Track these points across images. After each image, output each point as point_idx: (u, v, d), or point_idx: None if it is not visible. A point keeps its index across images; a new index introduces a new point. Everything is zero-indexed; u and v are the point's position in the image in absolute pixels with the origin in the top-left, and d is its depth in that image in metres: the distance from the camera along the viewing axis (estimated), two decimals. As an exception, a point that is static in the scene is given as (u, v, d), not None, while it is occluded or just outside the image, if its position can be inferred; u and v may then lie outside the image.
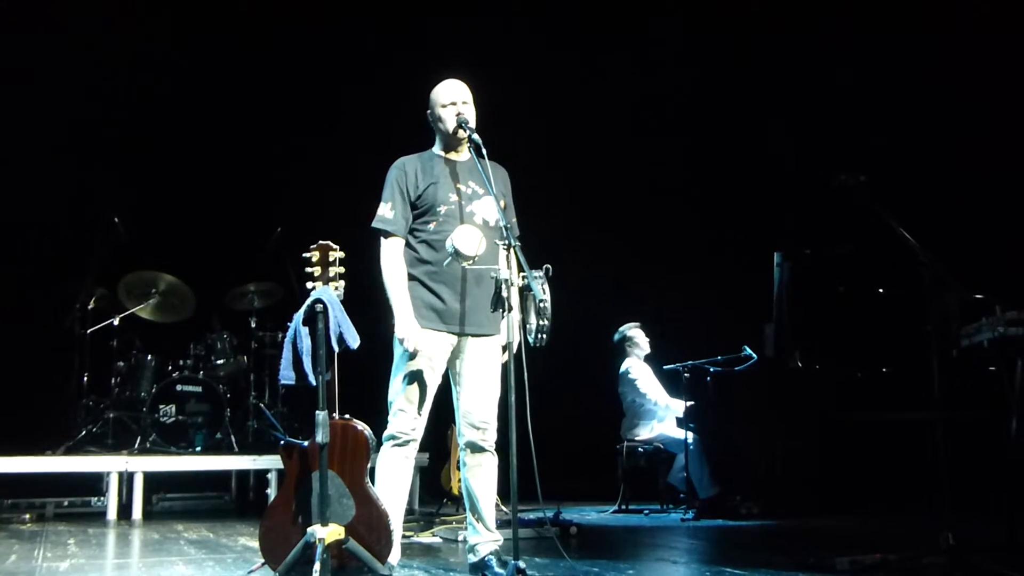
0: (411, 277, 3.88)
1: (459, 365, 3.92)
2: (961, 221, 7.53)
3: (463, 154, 3.99)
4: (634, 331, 7.44)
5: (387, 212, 3.89)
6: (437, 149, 4.03)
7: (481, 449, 3.90)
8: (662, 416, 7.18)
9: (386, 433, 3.80)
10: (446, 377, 3.95)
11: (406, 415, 3.79)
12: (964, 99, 7.84)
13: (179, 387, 7.22)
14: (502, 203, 3.84)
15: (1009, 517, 4.57)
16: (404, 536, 5.12)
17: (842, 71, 8.32)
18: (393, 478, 3.78)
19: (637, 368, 7.26)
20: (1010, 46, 7.52)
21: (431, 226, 3.86)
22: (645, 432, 7.18)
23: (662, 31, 8.68)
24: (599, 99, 8.80)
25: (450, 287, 3.83)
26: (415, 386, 3.79)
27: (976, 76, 7.79)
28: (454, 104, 3.90)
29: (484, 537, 3.90)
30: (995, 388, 4.84)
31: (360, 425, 3.57)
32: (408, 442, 3.81)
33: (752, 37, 8.53)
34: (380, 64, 8.24)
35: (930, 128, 7.98)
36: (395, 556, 3.75)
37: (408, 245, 3.91)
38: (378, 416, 3.84)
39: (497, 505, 4.29)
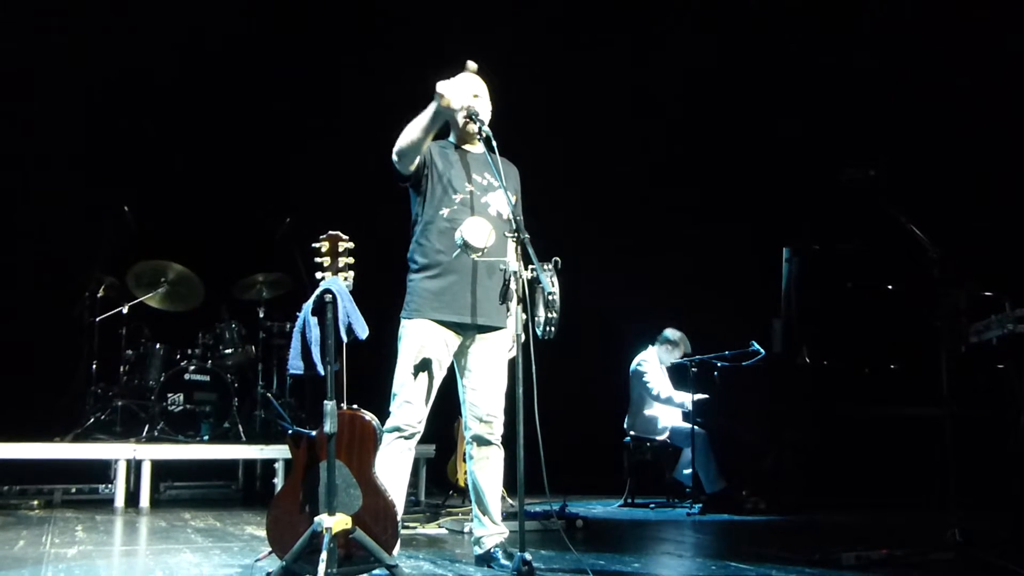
0: (422, 268, 3.88)
1: (466, 359, 3.92)
2: (971, 217, 7.50)
3: (476, 147, 3.99)
4: (683, 340, 7.27)
5: None
6: (451, 139, 4.04)
7: (487, 442, 3.91)
8: (664, 422, 7.15)
9: (390, 424, 3.77)
10: (452, 370, 3.95)
11: (412, 407, 3.78)
12: (973, 94, 7.81)
13: (187, 376, 7.24)
14: (514, 199, 3.84)
15: (1016, 513, 4.57)
16: (409, 527, 5.16)
17: (852, 64, 8.29)
18: (396, 469, 3.77)
19: (648, 363, 7.24)
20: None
21: (444, 213, 3.85)
22: (650, 428, 7.17)
23: (670, 26, 8.66)
24: (608, 95, 8.79)
25: (460, 278, 3.82)
26: (421, 378, 3.78)
27: (987, 71, 7.76)
28: (464, 97, 3.91)
29: (490, 530, 3.91)
30: (1004, 385, 4.83)
31: (368, 415, 3.57)
32: (413, 434, 3.81)
33: (761, 30, 8.51)
34: (391, 53, 8.24)
35: (939, 122, 7.95)
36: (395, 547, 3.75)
37: (418, 237, 3.92)
38: (386, 406, 3.84)
39: (503, 497, 4.29)
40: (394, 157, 3.82)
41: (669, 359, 7.31)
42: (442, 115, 3.70)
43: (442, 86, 3.64)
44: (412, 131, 3.74)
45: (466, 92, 3.67)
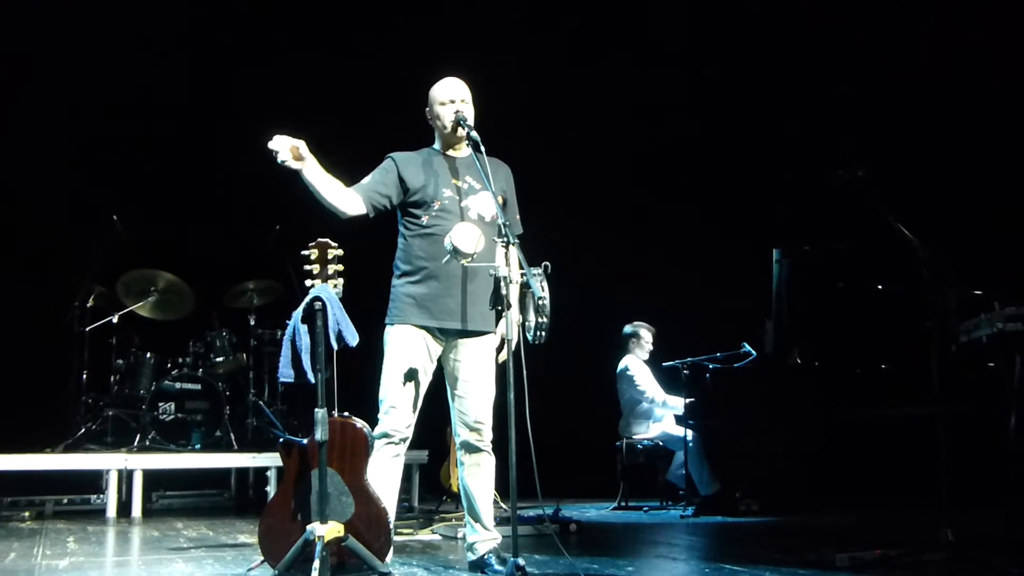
0: (407, 274, 3.87)
1: (453, 365, 3.90)
2: (960, 216, 7.52)
3: (462, 151, 3.99)
4: (643, 330, 7.42)
5: (364, 180, 3.87)
6: (436, 146, 4.03)
7: (477, 449, 3.89)
8: (659, 416, 7.19)
9: (378, 431, 3.75)
10: (440, 376, 3.94)
11: (399, 412, 3.76)
12: (963, 92, 7.84)
13: (178, 385, 7.22)
14: (501, 199, 3.83)
15: (1009, 512, 4.58)
16: (403, 533, 5.15)
17: (842, 64, 8.32)
18: (386, 476, 3.75)
19: (635, 365, 7.27)
20: (1013, 37, 7.52)
21: (425, 220, 3.85)
22: (643, 430, 7.20)
23: (661, 27, 8.67)
24: (598, 95, 8.79)
25: (443, 283, 3.81)
26: (409, 384, 3.76)
27: (975, 69, 7.79)
28: (452, 102, 3.89)
29: (482, 536, 3.90)
30: (994, 383, 4.84)
31: (359, 423, 3.57)
32: (402, 440, 3.79)
33: (750, 32, 8.53)
34: (379, 60, 8.23)
35: (928, 122, 7.97)
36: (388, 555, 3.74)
37: (402, 243, 3.92)
38: (377, 413, 3.83)
39: (496, 502, 4.28)
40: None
41: (646, 351, 7.37)
42: (305, 173, 3.71)
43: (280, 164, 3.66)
44: (316, 198, 3.75)
45: (276, 141, 3.69)
